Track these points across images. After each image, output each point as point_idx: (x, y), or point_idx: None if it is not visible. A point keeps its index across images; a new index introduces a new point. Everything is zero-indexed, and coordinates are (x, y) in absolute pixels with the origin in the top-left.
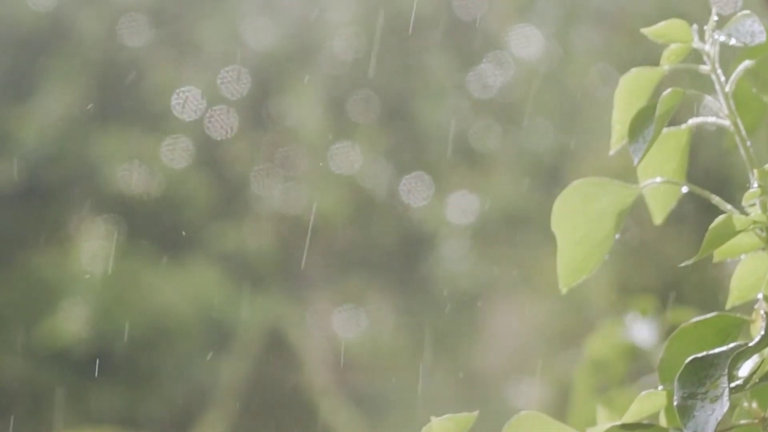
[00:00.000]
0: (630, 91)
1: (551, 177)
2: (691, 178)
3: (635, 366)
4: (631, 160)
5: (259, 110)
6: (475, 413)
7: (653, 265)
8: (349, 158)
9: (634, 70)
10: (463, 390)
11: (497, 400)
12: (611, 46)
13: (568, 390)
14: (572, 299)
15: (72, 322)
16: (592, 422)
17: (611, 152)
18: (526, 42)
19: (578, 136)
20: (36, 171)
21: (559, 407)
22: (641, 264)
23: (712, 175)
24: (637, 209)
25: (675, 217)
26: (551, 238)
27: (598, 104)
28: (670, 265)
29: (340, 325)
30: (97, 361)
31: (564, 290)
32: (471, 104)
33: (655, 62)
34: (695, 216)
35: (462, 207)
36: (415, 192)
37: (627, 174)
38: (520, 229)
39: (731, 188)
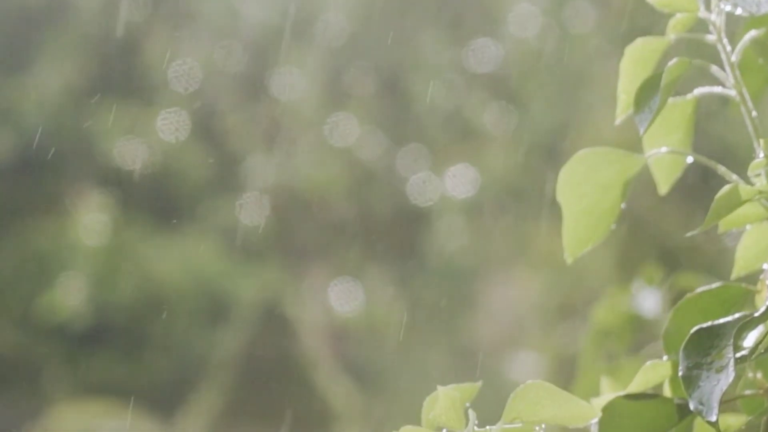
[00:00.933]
0: (635, 61)
1: (548, 151)
2: (694, 148)
3: (640, 335)
4: (629, 133)
5: (256, 83)
6: (479, 383)
7: (651, 236)
8: (346, 131)
9: (639, 40)
10: (460, 362)
11: (494, 372)
12: (607, 21)
13: (566, 362)
14: (570, 272)
15: (69, 294)
16: (598, 391)
17: (617, 122)
18: (523, 17)
19: (574, 111)
20: (33, 144)
21: (557, 380)
22: (639, 235)
23: (715, 146)
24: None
25: (673, 188)
26: (548, 212)
27: (594, 79)
28: (667, 236)
29: (336, 298)
30: (94, 333)
31: (570, 260)
32: (467, 78)
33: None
34: (693, 186)
35: (459, 180)
36: (412, 165)
37: (625, 148)
38: (517, 203)
39: (733, 159)
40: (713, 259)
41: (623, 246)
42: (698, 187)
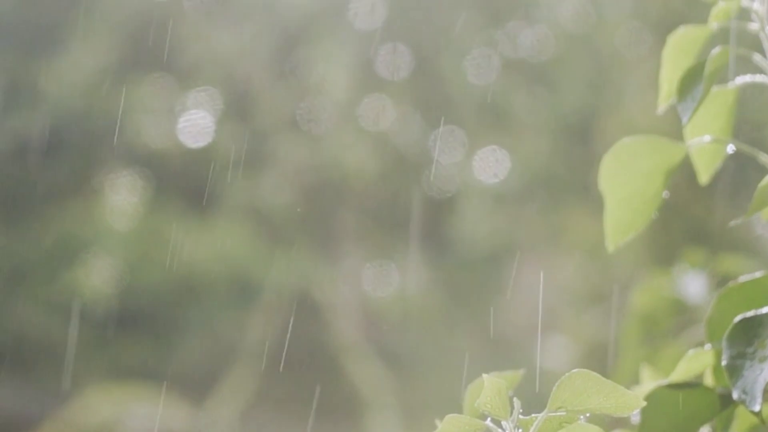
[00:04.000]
0: (678, 50)
1: (579, 136)
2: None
3: (679, 319)
4: (662, 119)
5: (288, 64)
6: (522, 371)
7: (681, 221)
8: (379, 113)
9: (681, 28)
10: (492, 348)
11: (526, 358)
12: (643, 5)
13: (597, 349)
14: (600, 257)
15: (98, 277)
16: (637, 375)
17: (659, 110)
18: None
19: (609, 96)
20: (64, 124)
21: (588, 366)
22: (668, 221)
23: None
24: None
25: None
26: (582, 197)
27: (627, 64)
28: (697, 222)
29: (369, 282)
30: (123, 317)
31: (612, 248)
32: (502, 61)
33: (687, 22)
34: (723, 172)
35: (491, 165)
36: (445, 148)
37: (659, 134)
38: (549, 187)
39: None
40: (745, 246)
41: (653, 231)
42: (729, 173)
